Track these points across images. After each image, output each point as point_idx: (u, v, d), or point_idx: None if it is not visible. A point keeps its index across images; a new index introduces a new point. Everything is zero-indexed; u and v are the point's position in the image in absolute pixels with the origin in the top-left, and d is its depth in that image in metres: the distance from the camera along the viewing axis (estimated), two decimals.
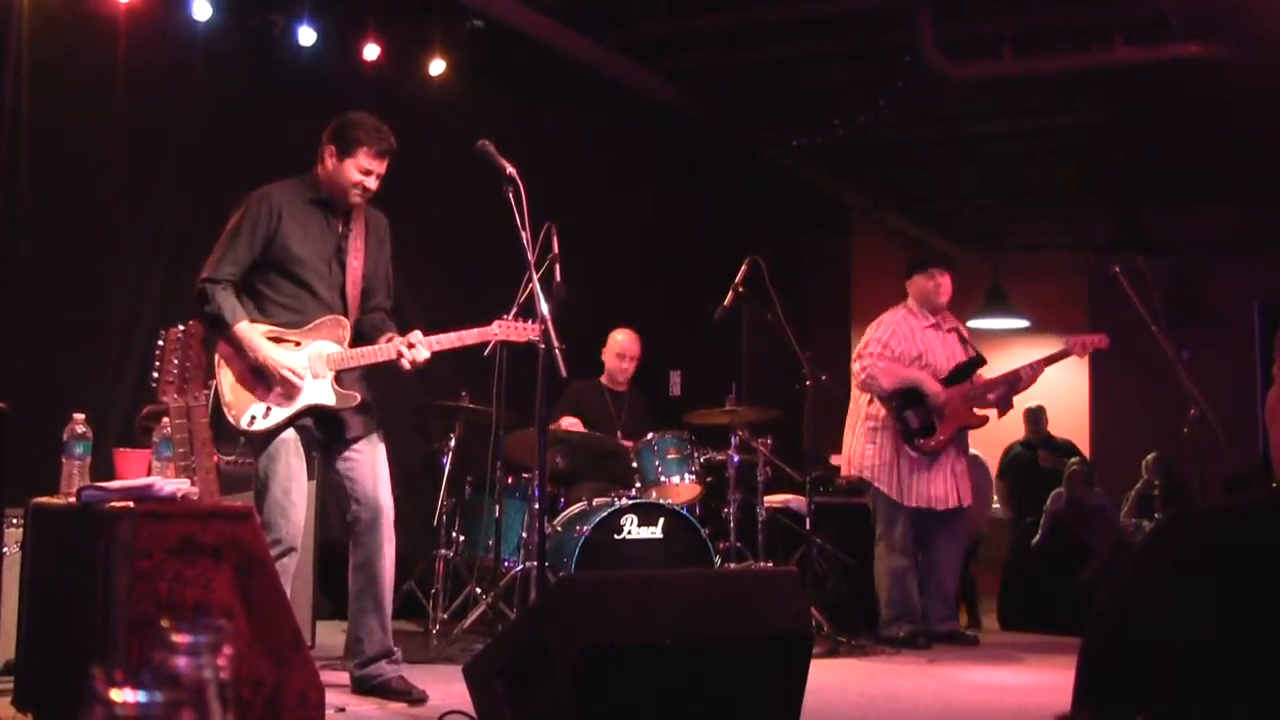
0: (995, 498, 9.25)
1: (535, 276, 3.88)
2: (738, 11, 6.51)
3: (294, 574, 3.94)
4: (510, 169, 3.83)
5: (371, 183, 3.97)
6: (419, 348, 3.96)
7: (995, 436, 8.79)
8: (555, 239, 4.17)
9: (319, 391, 3.91)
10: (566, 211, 4.39)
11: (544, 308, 3.78)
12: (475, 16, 6.26)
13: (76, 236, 5.25)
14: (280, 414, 3.86)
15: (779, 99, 7.80)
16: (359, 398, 3.97)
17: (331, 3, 5.96)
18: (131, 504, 2.91)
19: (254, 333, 3.84)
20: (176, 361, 3.13)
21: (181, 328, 3.18)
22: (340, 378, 3.96)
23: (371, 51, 6.16)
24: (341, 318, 3.98)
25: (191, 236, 5.60)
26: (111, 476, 3.55)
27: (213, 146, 5.69)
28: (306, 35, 5.85)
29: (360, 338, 4.02)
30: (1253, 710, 1.19)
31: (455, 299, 6.21)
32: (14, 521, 3.73)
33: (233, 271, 3.86)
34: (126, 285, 5.40)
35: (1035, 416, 8.85)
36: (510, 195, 3.79)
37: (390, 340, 3.99)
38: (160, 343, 3.17)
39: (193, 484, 3.07)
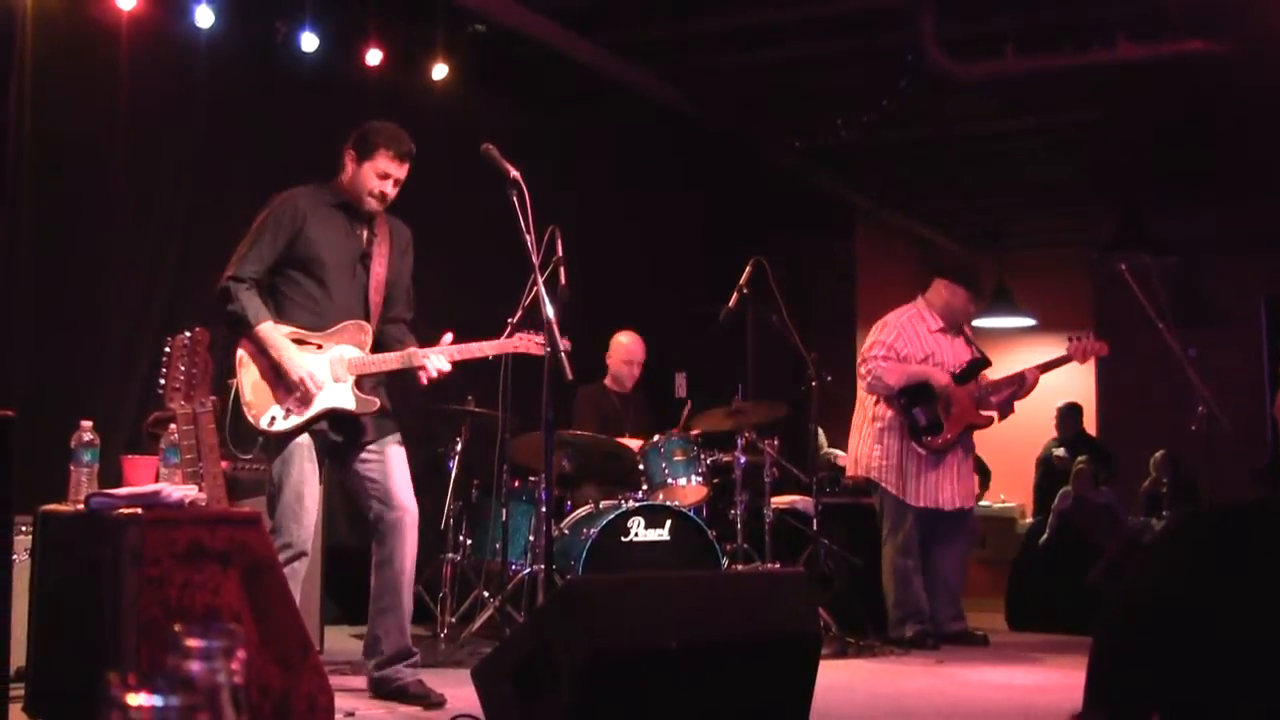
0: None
1: (540, 279, 3.88)
2: (739, 13, 6.51)
3: (302, 579, 3.95)
4: (514, 172, 3.83)
5: (390, 188, 3.98)
6: (439, 358, 3.97)
7: (1036, 433, 8.79)
8: (560, 242, 4.17)
9: (339, 395, 3.92)
10: (570, 214, 4.40)
11: (549, 311, 3.79)
12: (477, 21, 6.27)
13: (81, 243, 5.26)
14: (300, 416, 3.86)
15: (782, 100, 7.81)
16: (379, 403, 3.99)
17: (334, 8, 5.97)
18: (139, 510, 2.92)
19: (277, 334, 3.84)
20: (183, 368, 3.13)
21: (188, 334, 3.18)
22: (360, 383, 3.96)
23: (374, 57, 6.16)
24: (364, 323, 3.99)
25: (196, 243, 5.62)
26: (119, 483, 3.55)
27: (216, 153, 5.70)
28: (309, 41, 5.85)
29: (380, 347, 4.03)
30: (1267, 707, 1.19)
31: (459, 303, 6.22)
32: (23, 529, 3.72)
33: (256, 270, 3.87)
34: (132, 292, 5.41)
35: (1063, 415, 8.79)
36: (514, 198, 3.79)
37: (410, 349, 4.00)
38: (167, 349, 3.17)
39: (200, 490, 3.08)
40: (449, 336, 4.05)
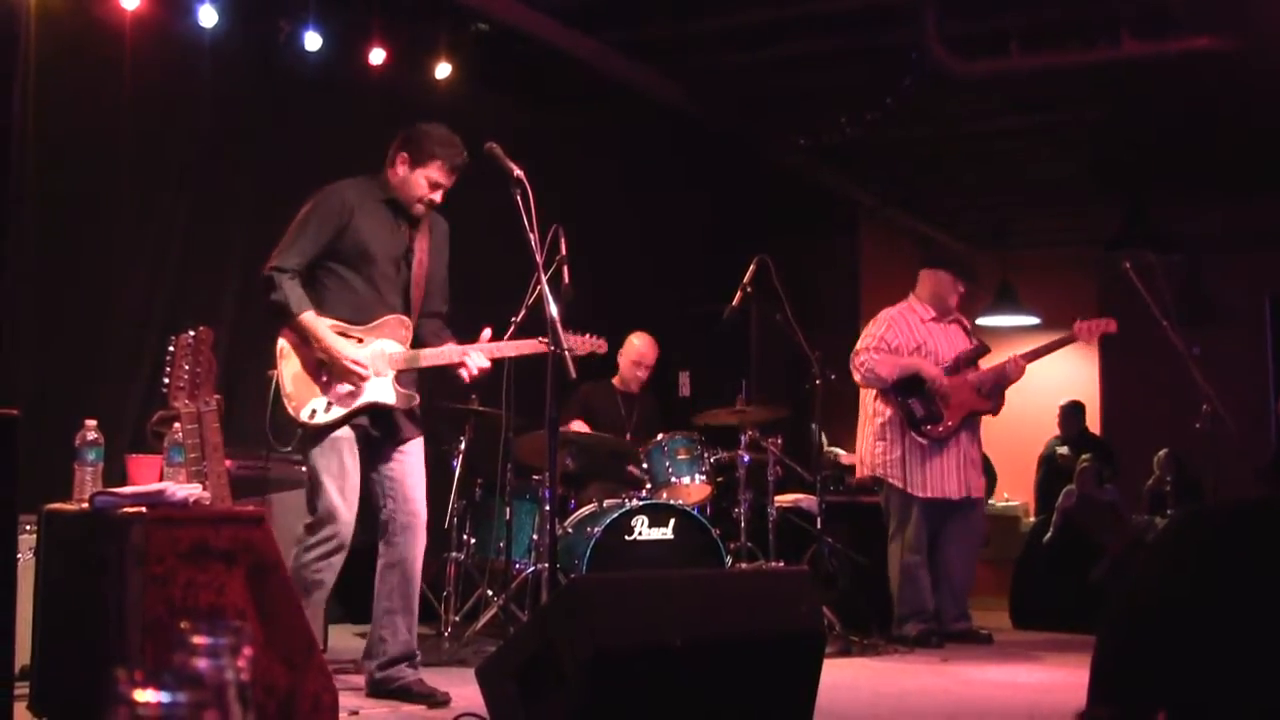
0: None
1: (544, 278, 3.88)
2: (742, 11, 6.50)
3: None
4: (518, 171, 3.83)
5: (437, 197, 4.02)
6: (479, 355, 3.99)
7: (1039, 430, 8.77)
8: (563, 241, 4.17)
9: (380, 390, 3.92)
10: (574, 213, 4.39)
11: (552, 310, 3.78)
12: (480, 19, 6.26)
13: (84, 242, 5.26)
14: (340, 409, 3.87)
15: (785, 98, 7.80)
16: (418, 398, 4.00)
17: (337, 8, 5.97)
18: (144, 509, 2.92)
19: (321, 325, 3.85)
20: (187, 367, 3.13)
21: (191, 333, 3.18)
22: (400, 378, 3.97)
23: (377, 56, 6.17)
24: (405, 318, 4.01)
25: (199, 242, 5.63)
26: (124, 482, 3.56)
27: (219, 152, 5.70)
28: (312, 40, 5.86)
29: (416, 342, 4.04)
30: (1271, 704, 1.19)
31: (463, 302, 6.22)
32: (27, 528, 3.73)
33: (300, 262, 3.87)
34: (135, 290, 5.42)
35: (1066, 413, 8.78)
36: (518, 197, 3.79)
37: (449, 346, 4.02)
38: (170, 348, 3.17)
39: (204, 489, 3.08)
40: (487, 333, 4.08)
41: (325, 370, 3.85)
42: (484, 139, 3.98)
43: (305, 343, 3.84)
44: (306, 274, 3.90)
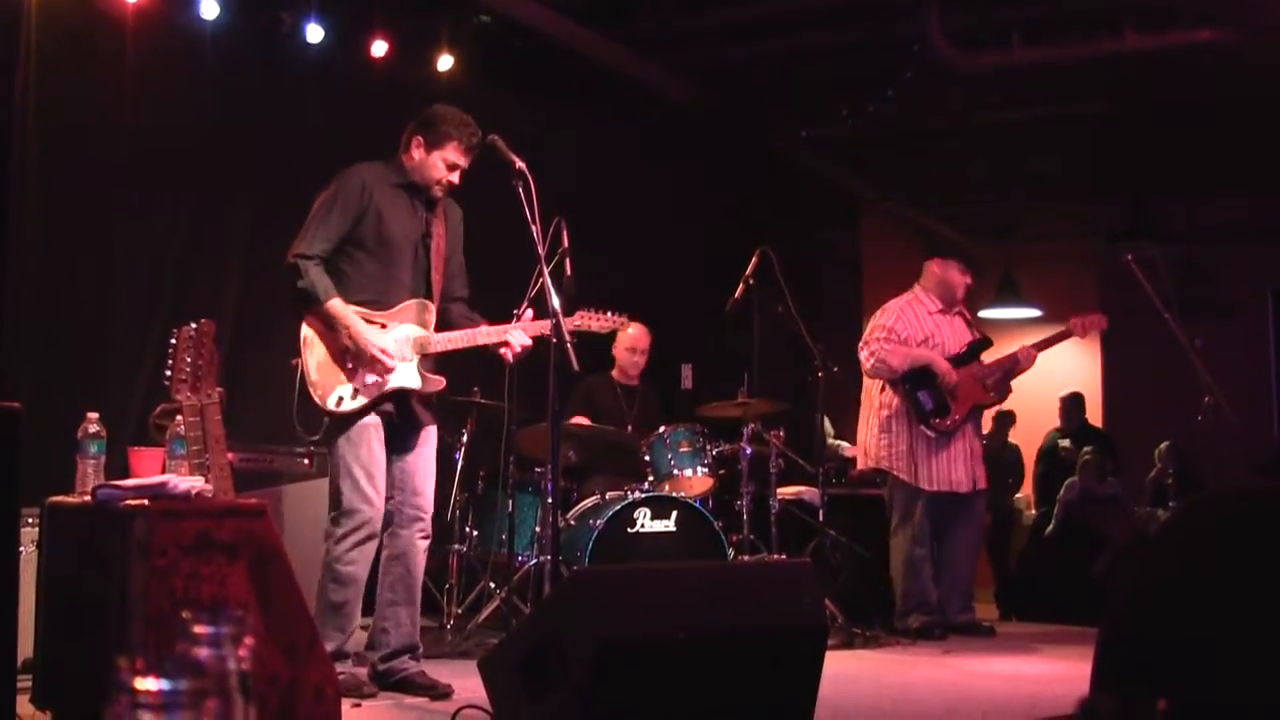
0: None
1: (546, 270, 3.88)
2: (744, 4, 6.50)
3: (308, 571, 3.95)
4: (520, 163, 3.83)
5: (455, 178, 4.01)
6: (519, 333, 4.00)
7: (1039, 423, 8.78)
8: (565, 233, 4.17)
9: (406, 375, 3.92)
10: (574, 205, 4.39)
11: (555, 302, 3.78)
12: (482, 12, 6.26)
13: (87, 236, 5.26)
14: (367, 396, 3.86)
15: (787, 90, 7.79)
16: (443, 382, 4.00)
17: (339, 0, 5.97)
18: (146, 502, 2.92)
19: (349, 312, 3.84)
20: (189, 359, 3.13)
21: (194, 325, 3.18)
22: (424, 362, 3.97)
23: (379, 48, 6.16)
24: (428, 302, 4.00)
25: (201, 234, 5.63)
26: (126, 475, 3.55)
27: (221, 145, 5.70)
28: (314, 33, 5.86)
29: (444, 327, 4.04)
30: (1273, 695, 1.19)
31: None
32: (29, 521, 3.74)
33: (325, 248, 3.86)
34: (138, 283, 5.42)
35: (1067, 405, 8.77)
36: (520, 189, 3.79)
37: (481, 328, 4.03)
38: (172, 341, 3.17)
39: (207, 481, 3.08)
40: (530, 313, 4.07)
41: (350, 357, 3.84)
42: (486, 131, 3.98)
43: (330, 330, 3.83)
44: (328, 260, 3.90)
